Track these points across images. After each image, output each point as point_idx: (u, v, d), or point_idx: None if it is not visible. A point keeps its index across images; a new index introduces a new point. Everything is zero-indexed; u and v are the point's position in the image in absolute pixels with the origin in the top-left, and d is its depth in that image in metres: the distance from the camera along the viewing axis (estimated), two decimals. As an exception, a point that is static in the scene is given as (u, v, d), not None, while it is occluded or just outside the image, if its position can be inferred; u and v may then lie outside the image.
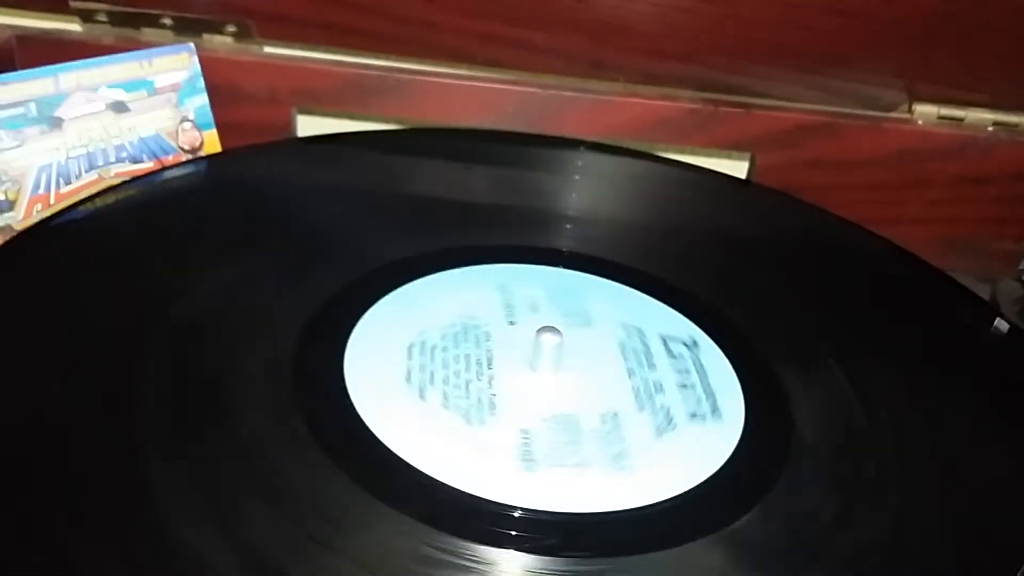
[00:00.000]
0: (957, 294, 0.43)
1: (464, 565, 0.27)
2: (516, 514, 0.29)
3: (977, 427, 0.36)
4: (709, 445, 0.33)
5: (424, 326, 0.37)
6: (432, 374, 0.34)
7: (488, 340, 0.37)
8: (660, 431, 0.33)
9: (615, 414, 0.34)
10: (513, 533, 0.28)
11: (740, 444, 0.33)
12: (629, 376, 0.36)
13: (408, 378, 0.34)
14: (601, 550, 0.28)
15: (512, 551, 0.28)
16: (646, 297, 0.41)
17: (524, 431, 0.32)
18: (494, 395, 0.34)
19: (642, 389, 0.35)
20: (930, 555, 0.30)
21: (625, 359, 0.37)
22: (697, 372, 0.37)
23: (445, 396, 0.33)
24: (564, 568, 0.28)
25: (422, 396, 0.33)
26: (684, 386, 0.36)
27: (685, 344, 0.38)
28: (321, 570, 0.26)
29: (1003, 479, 0.33)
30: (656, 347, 0.38)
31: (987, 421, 0.36)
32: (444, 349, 0.36)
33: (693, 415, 0.34)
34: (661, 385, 0.36)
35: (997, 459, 0.34)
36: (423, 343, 0.36)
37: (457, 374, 0.35)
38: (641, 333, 0.38)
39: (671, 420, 0.34)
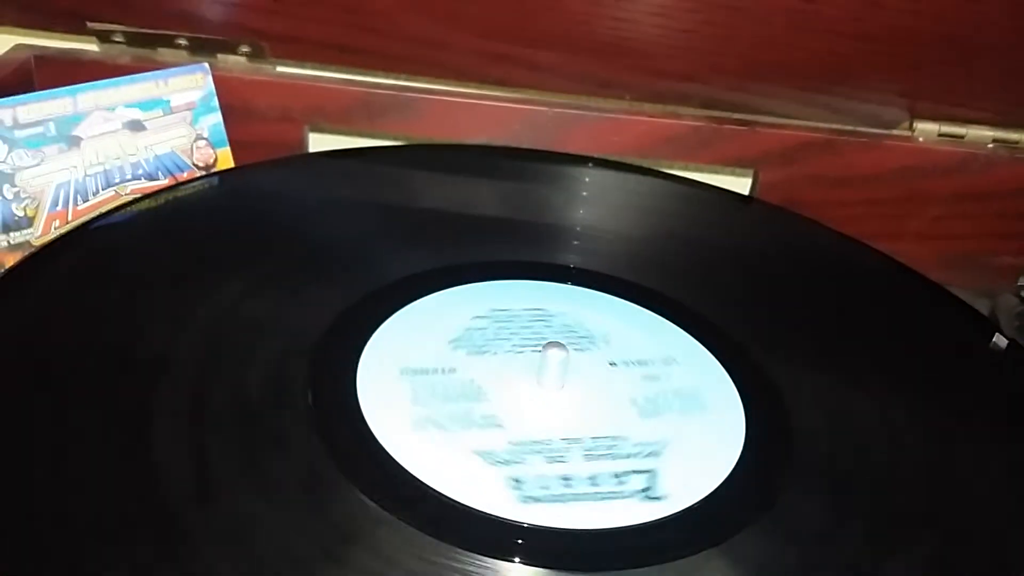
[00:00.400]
0: (957, 309, 0.44)
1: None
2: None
3: (977, 442, 0.36)
4: (711, 455, 0.34)
5: (432, 346, 0.37)
6: (445, 397, 0.35)
7: (495, 357, 0.37)
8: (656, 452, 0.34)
9: (616, 434, 0.35)
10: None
11: (743, 454, 0.34)
12: (632, 390, 0.37)
13: (414, 400, 0.34)
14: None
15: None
16: (648, 313, 0.41)
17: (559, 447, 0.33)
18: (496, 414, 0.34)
19: (642, 404, 0.36)
20: (931, 567, 0.31)
21: (624, 372, 0.37)
22: (689, 382, 0.37)
23: (441, 424, 0.34)
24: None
25: (443, 429, 0.33)
26: (680, 395, 0.37)
27: (672, 359, 0.38)
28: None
29: (1003, 493, 0.34)
30: (651, 360, 0.38)
31: (987, 435, 0.37)
32: (453, 371, 0.36)
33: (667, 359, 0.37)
34: (655, 401, 0.36)
35: (997, 473, 0.35)
36: (433, 366, 0.36)
37: (468, 395, 0.35)
38: (634, 347, 0.39)
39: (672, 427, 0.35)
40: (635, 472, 0.32)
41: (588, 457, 0.33)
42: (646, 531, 0.30)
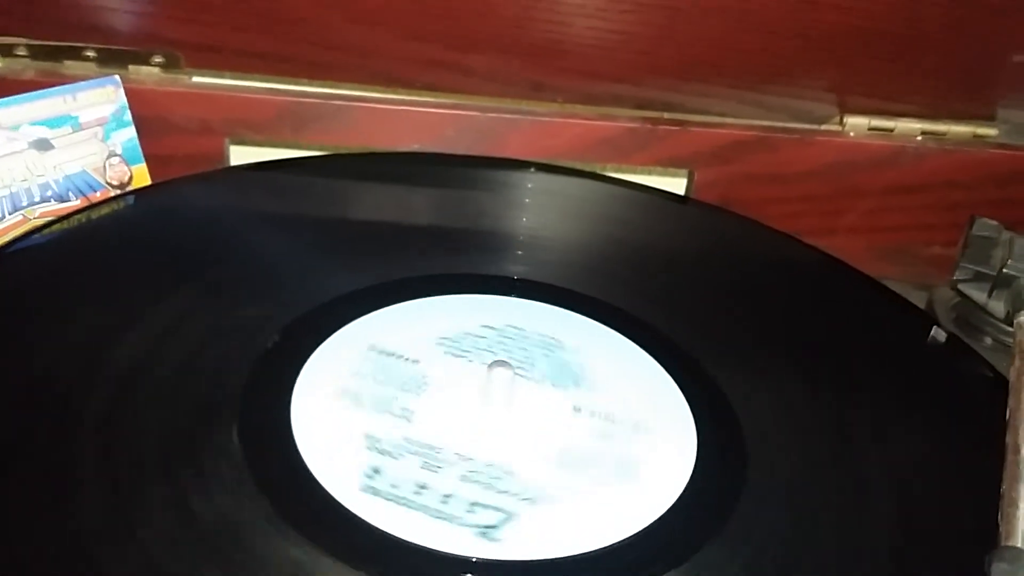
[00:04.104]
0: (894, 303, 0.44)
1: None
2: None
3: (919, 434, 0.37)
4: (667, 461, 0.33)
5: (365, 390, 0.35)
6: (393, 443, 0.33)
7: (469, 364, 0.36)
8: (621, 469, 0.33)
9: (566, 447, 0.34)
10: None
11: (698, 457, 0.34)
12: (572, 399, 0.36)
13: (355, 372, 0.34)
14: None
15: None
16: (586, 320, 0.41)
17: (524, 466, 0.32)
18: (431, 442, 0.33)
19: (574, 456, 0.34)
20: (888, 556, 0.31)
21: (580, 421, 0.36)
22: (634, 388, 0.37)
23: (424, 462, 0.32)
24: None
25: (357, 403, 0.33)
26: (626, 400, 0.36)
27: (641, 426, 0.36)
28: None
29: (947, 484, 0.34)
30: (587, 367, 0.38)
31: (928, 428, 0.37)
32: (416, 362, 0.36)
33: (636, 425, 0.35)
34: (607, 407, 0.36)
35: (941, 465, 0.35)
36: (402, 352, 0.36)
37: (406, 385, 0.34)
38: (562, 347, 0.38)
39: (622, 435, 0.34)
40: (493, 508, 0.30)
41: (464, 478, 0.31)
42: (441, 559, 0.28)
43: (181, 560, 0.27)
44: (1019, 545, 0.27)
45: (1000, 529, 0.28)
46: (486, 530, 0.29)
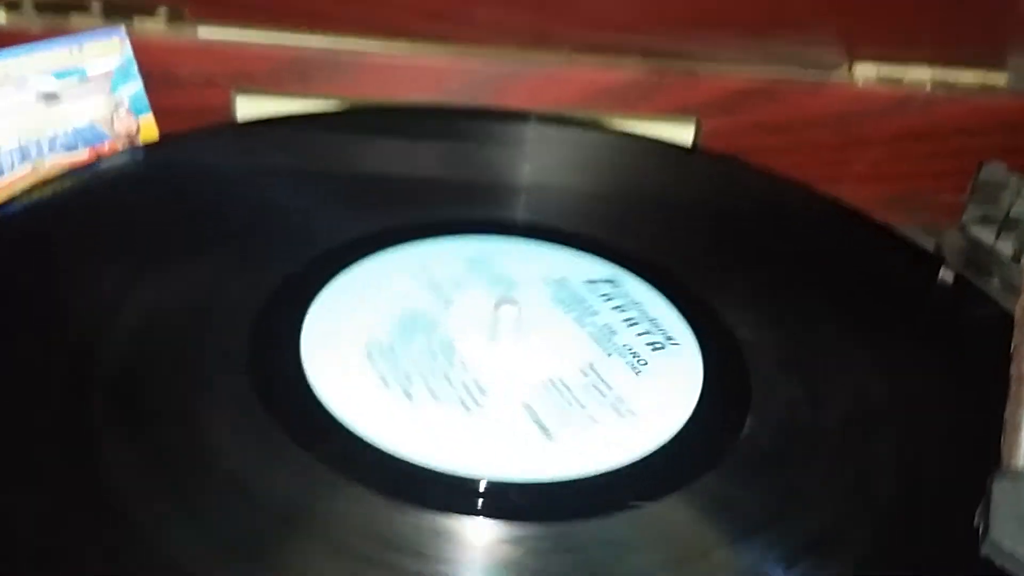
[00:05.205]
0: (902, 247, 0.44)
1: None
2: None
3: (926, 374, 0.37)
4: (682, 374, 0.34)
5: (371, 321, 0.36)
6: (407, 374, 0.33)
7: (436, 325, 0.36)
8: (636, 369, 0.34)
9: (591, 364, 0.34)
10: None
11: (706, 369, 0.35)
12: (581, 326, 0.36)
13: (386, 383, 0.33)
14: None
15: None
16: (582, 254, 0.41)
17: (525, 404, 0.32)
18: (476, 378, 0.33)
19: (599, 335, 0.35)
20: (888, 497, 0.31)
21: (568, 311, 0.37)
22: (635, 308, 0.37)
23: (432, 392, 0.33)
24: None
25: (409, 398, 0.32)
26: (632, 322, 0.37)
27: (610, 282, 0.38)
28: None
29: (953, 427, 0.34)
30: (587, 293, 0.38)
31: (933, 363, 0.37)
32: (401, 346, 0.35)
33: (654, 346, 0.35)
34: (611, 327, 0.36)
35: (944, 398, 0.35)
36: (380, 344, 0.35)
37: (431, 368, 0.34)
38: (567, 283, 0.39)
39: (638, 357, 0.35)
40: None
41: (579, 389, 0.33)
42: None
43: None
44: (1022, 465, 0.28)
45: (1002, 452, 0.29)
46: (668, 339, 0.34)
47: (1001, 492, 0.26)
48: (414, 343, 0.35)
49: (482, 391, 0.33)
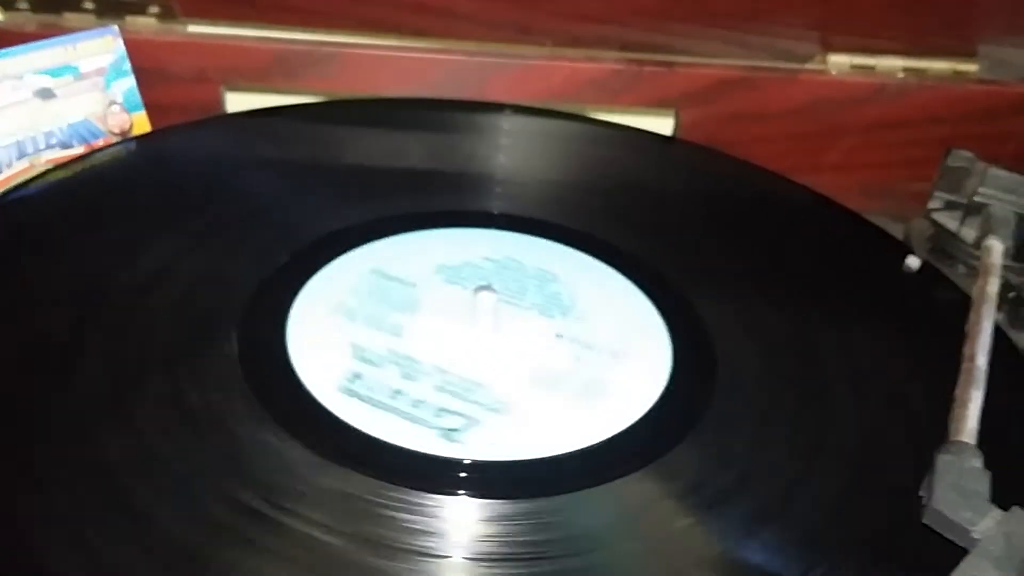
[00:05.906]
0: (871, 234, 0.45)
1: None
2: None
3: (889, 355, 0.38)
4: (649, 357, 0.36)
5: (360, 306, 0.37)
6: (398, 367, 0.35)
7: (464, 291, 0.38)
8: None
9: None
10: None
11: (675, 350, 0.36)
12: (556, 327, 0.38)
13: (354, 291, 0.36)
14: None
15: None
16: (581, 255, 0.42)
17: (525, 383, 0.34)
18: (471, 366, 0.35)
19: (549, 375, 0.36)
20: (850, 477, 0.32)
21: (547, 315, 0.38)
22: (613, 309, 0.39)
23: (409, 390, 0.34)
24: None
25: (350, 317, 0.35)
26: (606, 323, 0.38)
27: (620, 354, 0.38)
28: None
29: (916, 408, 0.36)
30: (568, 291, 0.40)
31: (901, 349, 0.39)
32: (414, 286, 0.37)
33: (615, 353, 0.37)
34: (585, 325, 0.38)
35: (904, 378, 0.37)
36: (404, 277, 0.37)
37: (401, 306, 0.36)
38: (555, 280, 0.40)
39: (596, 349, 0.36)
40: (458, 414, 0.32)
41: (438, 388, 0.34)
42: (395, 451, 0.31)
43: (172, 443, 0.29)
44: (964, 440, 0.29)
45: (949, 427, 0.30)
46: (449, 432, 0.32)
47: (944, 464, 0.28)
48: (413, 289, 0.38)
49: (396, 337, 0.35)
